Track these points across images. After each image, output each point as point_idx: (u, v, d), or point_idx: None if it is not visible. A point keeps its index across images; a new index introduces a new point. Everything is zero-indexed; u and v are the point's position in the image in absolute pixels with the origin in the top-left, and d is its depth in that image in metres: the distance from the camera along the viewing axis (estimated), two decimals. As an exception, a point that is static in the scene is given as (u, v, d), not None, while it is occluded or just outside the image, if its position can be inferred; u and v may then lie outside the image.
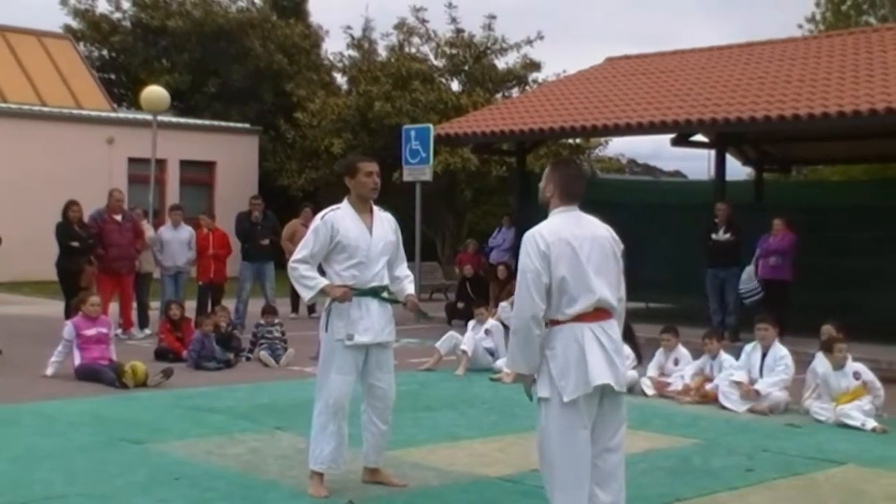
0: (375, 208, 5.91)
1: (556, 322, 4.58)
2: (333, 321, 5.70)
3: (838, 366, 8.30)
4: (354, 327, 5.67)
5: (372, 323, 5.71)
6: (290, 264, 5.78)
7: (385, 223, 5.88)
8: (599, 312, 4.60)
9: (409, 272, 6.08)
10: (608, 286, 4.64)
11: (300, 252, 5.75)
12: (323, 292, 5.70)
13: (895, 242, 13.10)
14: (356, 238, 5.72)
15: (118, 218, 12.76)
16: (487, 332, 10.97)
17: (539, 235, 4.59)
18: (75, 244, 12.31)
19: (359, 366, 5.74)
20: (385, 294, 5.84)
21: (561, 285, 4.54)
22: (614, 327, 4.67)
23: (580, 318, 4.55)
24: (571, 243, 4.59)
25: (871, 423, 7.86)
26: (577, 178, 4.79)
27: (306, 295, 5.86)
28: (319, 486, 5.69)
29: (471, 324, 11.32)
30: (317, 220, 5.82)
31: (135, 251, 12.89)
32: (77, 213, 12.46)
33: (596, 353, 4.52)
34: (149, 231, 13.60)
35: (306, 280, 5.73)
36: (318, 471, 5.72)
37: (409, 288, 6.00)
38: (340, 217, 5.77)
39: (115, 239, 12.57)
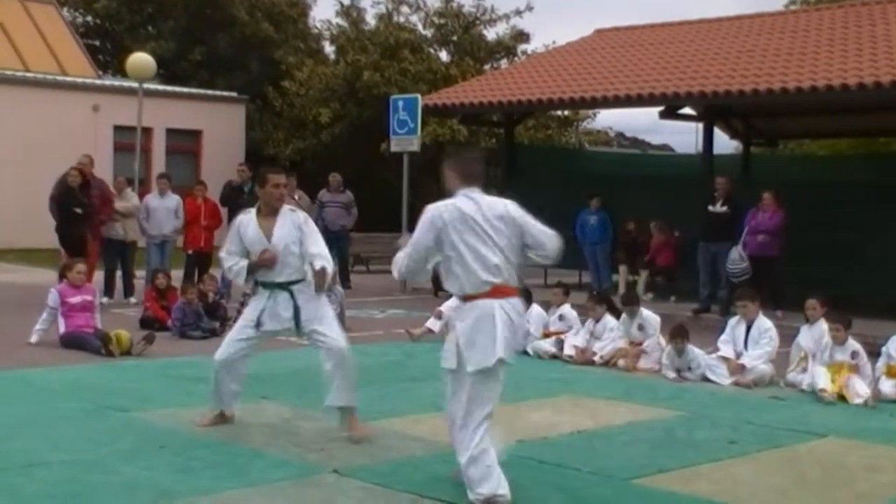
0: (287, 208, 6.42)
1: (469, 297, 4.87)
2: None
3: (840, 342, 8.31)
4: (263, 315, 6.28)
5: (278, 312, 6.26)
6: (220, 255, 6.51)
7: (289, 223, 6.30)
8: (505, 289, 4.90)
9: (320, 251, 6.27)
10: (510, 262, 4.94)
11: (225, 247, 6.49)
12: (250, 270, 6.30)
13: (880, 217, 13.15)
14: (251, 243, 6.34)
15: None
16: None
17: (437, 210, 4.94)
18: (79, 210, 12.27)
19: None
20: (295, 287, 6.28)
21: (461, 259, 4.85)
22: (519, 304, 5.02)
23: (490, 293, 4.84)
24: (472, 219, 4.88)
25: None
26: (474, 162, 5.18)
27: (238, 280, 6.48)
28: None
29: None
30: (234, 221, 6.53)
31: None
32: (76, 179, 12.40)
33: (504, 329, 4.83)
34: (133, 199, 13.57)
35: (231, 267, 6.40)
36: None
37: (316, 264, 6.26)
38: (246, 222, 6.41)
39: None
